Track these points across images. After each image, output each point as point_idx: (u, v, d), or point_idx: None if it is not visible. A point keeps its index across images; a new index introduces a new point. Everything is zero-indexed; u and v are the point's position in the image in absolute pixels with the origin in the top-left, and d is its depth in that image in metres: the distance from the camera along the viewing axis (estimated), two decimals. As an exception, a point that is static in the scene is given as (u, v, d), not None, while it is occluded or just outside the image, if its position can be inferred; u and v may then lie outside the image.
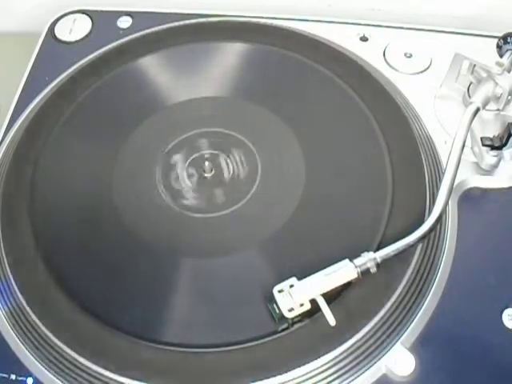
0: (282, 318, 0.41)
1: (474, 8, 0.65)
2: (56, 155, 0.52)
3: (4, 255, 0.47)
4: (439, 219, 0.44)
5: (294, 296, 0.41)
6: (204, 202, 0.50)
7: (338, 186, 0.49)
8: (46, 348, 0.43)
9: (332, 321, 0.40)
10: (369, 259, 0.42)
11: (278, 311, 0.41)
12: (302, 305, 0.41)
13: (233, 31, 0.59)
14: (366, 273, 0.42)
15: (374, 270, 0.42)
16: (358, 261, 0.42)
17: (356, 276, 0.42)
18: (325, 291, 0.41)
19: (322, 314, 0.41)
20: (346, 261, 0.42)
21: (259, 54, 0.57)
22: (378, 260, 0.42)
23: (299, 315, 0.41)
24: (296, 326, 0.42)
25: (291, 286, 0.42)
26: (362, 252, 0.43)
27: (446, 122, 0.52)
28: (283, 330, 0.42)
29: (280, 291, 0.42)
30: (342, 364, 0.41)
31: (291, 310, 0.41)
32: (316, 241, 0.47)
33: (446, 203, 0.44)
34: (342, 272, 0.42)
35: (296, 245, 0.47)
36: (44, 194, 0.50)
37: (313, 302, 0.41)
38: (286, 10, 0.62)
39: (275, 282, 0.42)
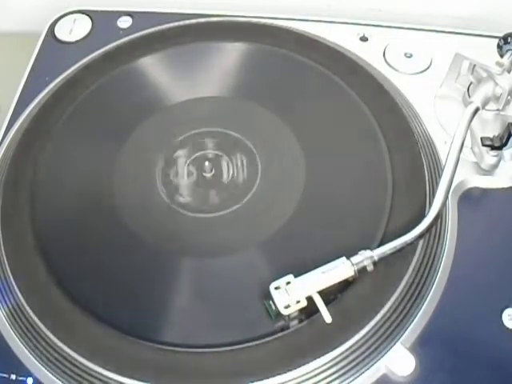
0: (278, 314, 0.41)
1: (473, 8, 0.64)
2: (56, 155, 0.52)
3: (4, 255, 0.47)
4: (437, 218, 0.44)
5: (291, 293, 0.41)
6: (204, 202, 0.50)
7: (338, 186, 0.49)
8: (46, 348, 0.43)
9: (328, 318, 0.40)
10: (366, 257, 0.42)
11: (274, 308, 0.41)
12: (298, 302, 0.41)
13: (233, 31, 0.59)
14: (362, 271, 0.42)
15: (370, 268, 0.42)
16: (355, 259, 0.42)
17: (353, 274, 0.42)
18: (321, 288, 0.41)
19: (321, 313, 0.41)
20: (343, 258, 0.42)
21: (259, 53, 0.57)
22: (375, 258, 0.42)
23: (295, 312, 0.41)
24: (296, 325, 0.42)
25: (288, 283, 0.42)
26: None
27: (445, 122, 0.52)
28: (283, 329, 0.42)
29: (276, 288, 0.42)
30: (342, 364, 0.41)
31: (287, 306, 0.41)
32: (316, 240, 0.47)
33: (445, 202, 0.44)
34: (339, 269, 0.42)
35: (296, 244, 0.47)
36: (44, 194, 0.50)
37: (310, 299, 0.41)
38: (286, 10, 0.62)
39: (274, 281, 0.42)
